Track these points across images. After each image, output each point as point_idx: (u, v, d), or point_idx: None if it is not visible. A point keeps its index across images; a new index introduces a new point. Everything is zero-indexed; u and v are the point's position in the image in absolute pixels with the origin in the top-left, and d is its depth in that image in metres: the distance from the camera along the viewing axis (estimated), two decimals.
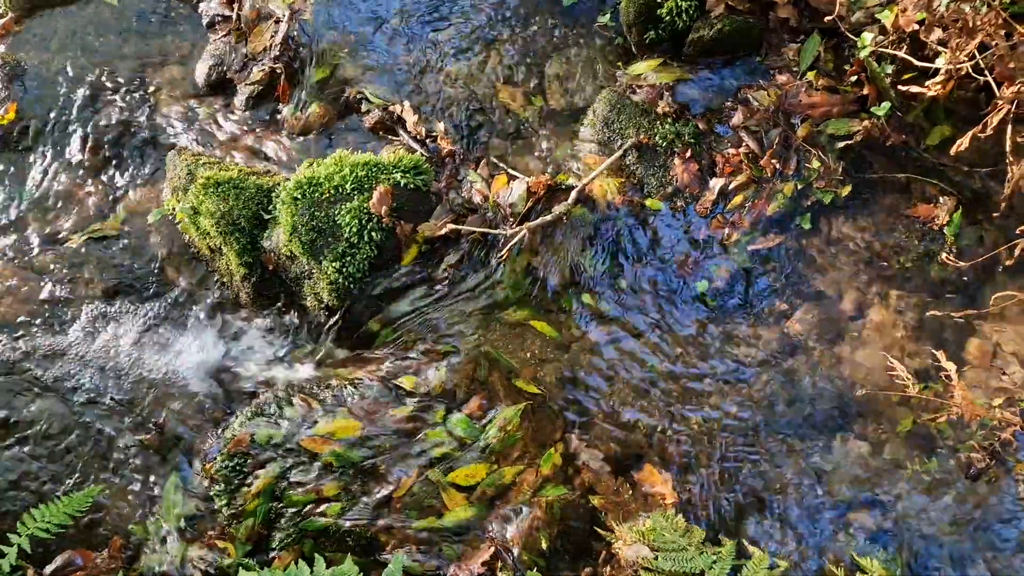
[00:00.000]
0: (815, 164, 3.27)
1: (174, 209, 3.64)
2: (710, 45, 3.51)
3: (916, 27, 2.99)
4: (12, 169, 3.97)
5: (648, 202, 3.37)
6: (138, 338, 3.51)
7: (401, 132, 3.66)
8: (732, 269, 3.25)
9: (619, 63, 3.67)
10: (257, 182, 3.47)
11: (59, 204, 3.87)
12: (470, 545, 2.91)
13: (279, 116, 3.88)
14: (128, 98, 4.02)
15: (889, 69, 3.16)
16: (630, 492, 2.97)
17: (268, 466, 3.03)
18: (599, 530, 2.86)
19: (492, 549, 2.87)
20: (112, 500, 3.23)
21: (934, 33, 2.97)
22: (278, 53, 3.88)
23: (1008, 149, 2.90)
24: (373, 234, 3.24)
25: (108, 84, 4.06)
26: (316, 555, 2.66)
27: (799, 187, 3.28)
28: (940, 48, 2.94)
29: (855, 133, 3.23)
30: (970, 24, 2.80)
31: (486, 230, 3.31)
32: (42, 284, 3.67)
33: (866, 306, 3.15)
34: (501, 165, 3.52)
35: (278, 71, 3.88)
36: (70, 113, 4.02)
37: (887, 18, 3.07)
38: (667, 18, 3.51)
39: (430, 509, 2.94)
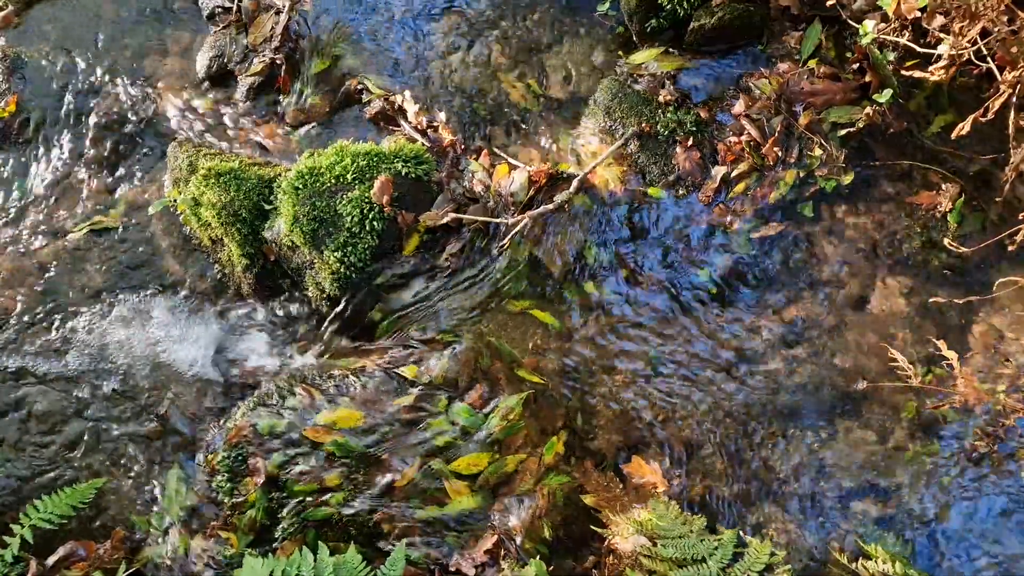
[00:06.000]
0: (817, 152, 3.26)
1: (175, 200, 3.63)
2: (711, 33, 3.50)
3: (918, 14, 2.98)
4: (12, 162, 3.97)
5: (650, 190, 3.37)
6: (139, 330, 3.51)
7: (402, 122, 3.65)
8: (734, 257, 3.24)
9: (620, 52, 3.66)
10: (258, 173, 3.47)
11: (60, 197, 3.86)
12: (473, 534, 2.90)
13: (280, 107, 3.87)
14: (128, 90, 4.01)
15: (891, 56, 3.16)
16: (621, 486, 2.96)
17: (271, 456, 3.02)
18: (596, 528, 2.85)
19: (495, 538, 2.87)
20: (114, 491, 3.23)
21: (936, 20, 2.96)
22: (278, 44, 3.87)
23: (1011, 134, 2.89)
24: (375, 223, 3.23)
25: (108, 76, 4.06)
26: (320, 543, 2.66)
27: (801, 175, 3.28)
28: (942, 35, 2.93)
29: (857, 121, 3.22)
30: (972, 9, 2.79)
31: (488, 219, 3.30)
32: (43, 277, 3.67)
33: (869, 293, 3.14)
34: (502, 155, 3.52)
35: (278, 62, 3.87)
36: (70, 106, 4.01)
37: (889, 5, 3.06)
38: (668, 6, 3.50)
39: (433, 498, 2.94)
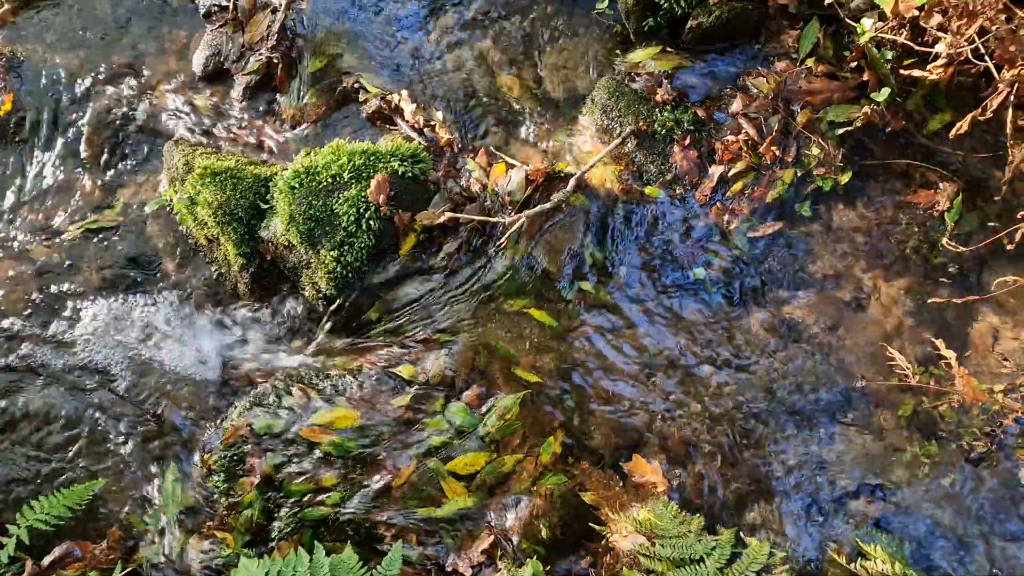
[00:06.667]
0: (815, 151, 3.26)
1: (171, 199, 3.62)
2: (709, 32, 3.49)
3: (916, 12, 2.98)
4: (8, 161, 3.95)
5: (647, 190, 3.36)
6: (135, 329, 3.50)
7: (399, 121, 3.64)
8: (731, 256, 3.24)
9: (617, 51, 3.65)
10: (255, 171, 3.46)
11: (56, 196, 3.85)
12: (470, 534, 2.90)
13: (276, 106, 3.86)
14: (125, 89, 4.00)
15: (889, 55, 3.15)
16: (620, 484, 2.96)
17: (267, 456, 3.02)
18: (594, 526, 2.84)
19: (492, 537, 2.86)
20: (111, 491, 3.22)
21: (934, 19, 2.95)
22: (275, 43, 3.86)
23: (1009, 133, 2.89)
24: (371, 223, 3.22)
25: (105, 75, 4.04)
26: (316, 543, 2.65)
27: (799, 174, 3.27)
28: (940, 34, 2.93)
29: (855, 119, 3.21)
30: (970, 7, 2.78)
31: (484, 218, 3.29)
32: (39, 276, 3.66)
33: (866, 292, 3.14)
34: (499, 153, 3.51)
35: (275, 61, 3.86)
36: (66, 104, 4.00)
37: (886, 4, 3.05)
38: (665, 5, 3.49)
39: (430, 498, 2.94)
